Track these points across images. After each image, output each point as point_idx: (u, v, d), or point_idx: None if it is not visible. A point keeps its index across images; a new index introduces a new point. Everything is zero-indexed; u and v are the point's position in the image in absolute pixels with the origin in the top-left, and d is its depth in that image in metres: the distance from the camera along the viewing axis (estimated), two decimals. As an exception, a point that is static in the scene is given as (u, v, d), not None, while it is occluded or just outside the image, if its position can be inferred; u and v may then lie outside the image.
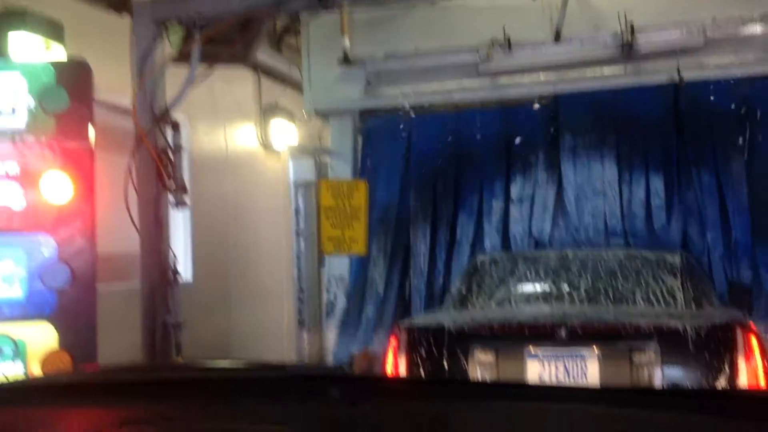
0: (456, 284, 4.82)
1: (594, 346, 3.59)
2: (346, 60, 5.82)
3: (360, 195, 5.56)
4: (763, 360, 3.56)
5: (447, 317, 4.08)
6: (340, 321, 5.73)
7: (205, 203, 6.08)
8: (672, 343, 3.56)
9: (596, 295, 4.21)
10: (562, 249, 5.17)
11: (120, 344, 3.54)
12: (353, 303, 5.74)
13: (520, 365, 3.62)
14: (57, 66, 3.23)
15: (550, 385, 2.87)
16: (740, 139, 5.30)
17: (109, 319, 3.51)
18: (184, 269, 5.81)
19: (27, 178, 3.15)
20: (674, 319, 3.74)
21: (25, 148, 3.17)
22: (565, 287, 4.32)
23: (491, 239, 5.62)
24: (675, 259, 4.51)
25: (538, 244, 5.59)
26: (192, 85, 3.73)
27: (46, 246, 3.08)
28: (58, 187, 3.11)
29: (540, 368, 3.61)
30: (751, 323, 3.79)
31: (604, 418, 1.30)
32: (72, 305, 3.05)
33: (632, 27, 5.27)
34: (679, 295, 4.18)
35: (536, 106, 5.66)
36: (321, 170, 6.70)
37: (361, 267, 5.76)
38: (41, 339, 3.02)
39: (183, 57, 3.84)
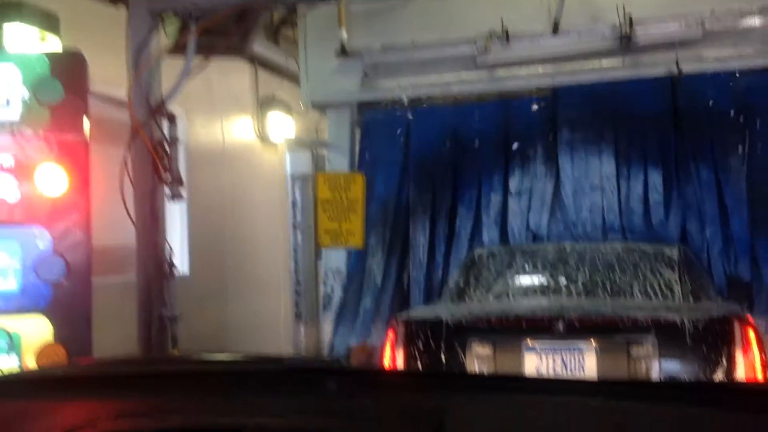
0: (453, 277, 4.81)
1: (591, 339, 3.59)
2: (343, 52, 5.79)
3: (357, 188, 5.55)
4: (760, 353, 3.56)
5: (444, 310, 4.07)
6: (337, 311, 5.72)
7: (202, 196, 6.06)
8: (669, 337, 3.55)
9: (594, 288, 4.21)
10: (559, 243, 5.17)
11: (115, 338, 3.53)
12: (351, 294, 5.73)
13: (517, 358, 3.61)
14: (51, 57, 3.20)
15: (548, 378, 2.87)
16: (738, 134, 5.29)
17: (104, 313, 3.49)
18: (181, 262, 5.80)
19: (22, 170, 3.13)
20: (672, 312, 3.74)
21: (20, 140, 3.14)
22: (563, 280, 4.32)
23: (489, 232, 5.62)
24: (673, 252, 4.51)
25: (536, 237, 5.58)
26: (188, 77, 3.71)
27: (41, 238, 3.06)
28: (53, 180, 3.08)
29: (537, 361, 3.61)
30: (749, 316, 3.79)
31: (602, 411, 1.30)
32: (67, 298, 3.04)
33: (631, 19, 5.25)
34: (677, 289, 4.18)
35: (534, 107, 5.64)
36: (318, 163, 6.68)
37: (359, 258, 5.76)
38: (36, 332, 3.01)
39: (179, 49, 3.81)
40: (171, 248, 3.73)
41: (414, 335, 3.77)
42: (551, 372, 3.57)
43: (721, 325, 3.60)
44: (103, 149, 4.35)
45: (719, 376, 3.48)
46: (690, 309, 3.83)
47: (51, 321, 3.03)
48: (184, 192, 3.87)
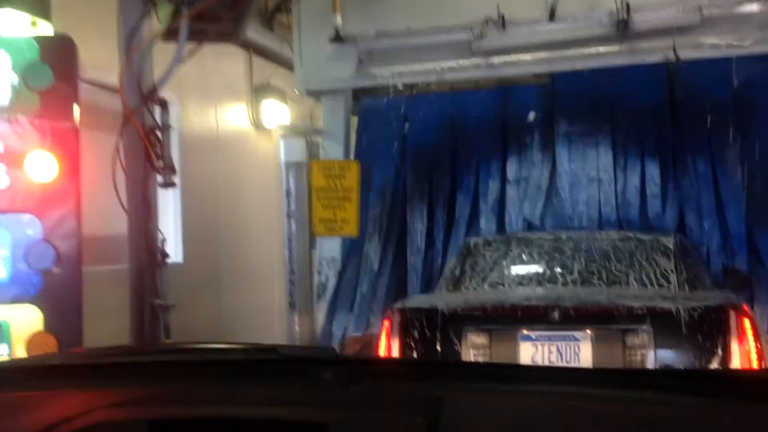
0: (449, 266, 4.80)
1: (587, 329, 3.58)
2: (337, 38, 5.74)
3: (352, 175, 5.51)
4: (756, 342, 3.56)
5: (440, 299, 4.06)
6: (332, 297, 5.71)
7: (196, 183, 6.02)
8: (665, 326, 3.55)
9: (590, 277, 4.21)
10: (555, 231, 5.16)
11: (107, 328, 3.50)
12: (347, 280, 5.72)
13: (513, 347, 3.61)
14: (41, 41, 3.14)
15: (544, 367, 2.86)
16: (735, 125, 5.28)
17: (96, 303, 3.46)
18: (175, 250, 5.77)
19: (10, 157, 3.08)
20: (667, 301, 3.73)
21: (9, 126, 3.09)
22: (559, 269, 4.31)
23: (487, 220, 5.61)
24: (669, 241, 4.50)
25: (531, 226, 5.57)
26: (180, 63, 3.65)
27: (31, 226, 3.01)
28: (42, 166, 3.04)
29: (533, 350, 3.60)
30: (745, 306, 3.78)
31: (597, 399, 1.30)
32: (57, 287, 3.00)
33: (628, 5, 5.21)
34: (673, 277, 4.18)
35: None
36: (312, 151, 6.64)
37: (355, 245, 5.74)
38: (26, 321, 2.97)
39: (171, 34, 3.75)
40: (164, 237, 3.69)
41: (409, 324, 3.76)
42: (546, 361, 3.57)
43: (717, 314, 3.60)
44: (95, 136, 4.30)
45: (714, 365, 3.48)
46: (686, 298, 3.82)
47: (41, 310, 2.99)
48: (176, 180, 3.83)
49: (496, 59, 5.56)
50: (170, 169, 3.65)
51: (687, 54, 5.27)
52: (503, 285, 4.34)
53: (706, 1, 5.19)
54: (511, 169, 5.64)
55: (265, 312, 6.84)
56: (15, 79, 3.10)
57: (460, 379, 1.47)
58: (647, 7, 5.27)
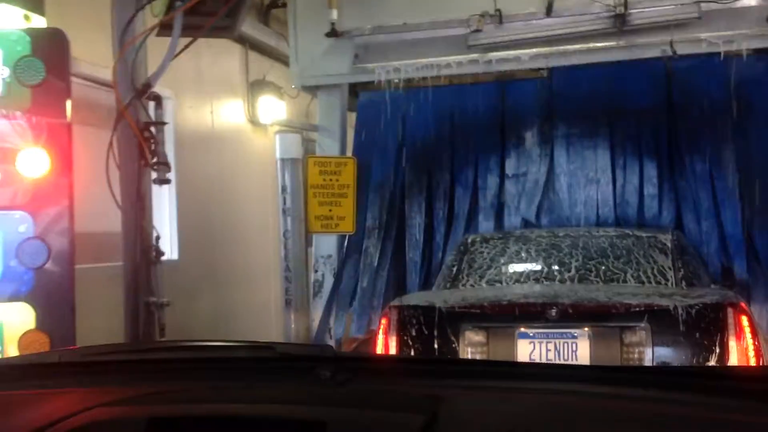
0: (447, 263, 4.78)
1: (584, 326, 3.57)
2: (333, 33, 5.70)
3: (348, 172, 5.48)
4: (753, 339, 3.55)
5: (438, 297, 4.04)
6: (331, 292, 5.69)
7: (191, 180, 5.99)
8: (663, 323, 3.54)
9: (587, 274, 4.19)
10: (552, 228, 5.14)
11: (101, 326, 3.47)
12: (346, 275, 5.70)
13: (510, 345, 3.59)
14: (32, 35, 3.10)
15: (542, 364, 2.85)
16: (732, 125, 5.27)
17: (89, 301, 3.43)
18: (170, 247, 5.73)
19: (2, 153, 3.03)
20: (665, 298, 3.72)
21: (0, 122, 3.05)
22: (556, 266, 4.29)
23: (486, 214, 5.59)
24: (666, 238, 4.49)
25: (528, 223, 5.55)
26: (174, 58, 3.62)
27: (23, 223, 2.98)
28: (34, 162, 3.00)
29: (530, 348, 3.58)
30: (742, 303, 3.77)
31: (595, 397, 1.29)
32: (50, 284, 2.97)
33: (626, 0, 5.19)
34: (671, 274, 4.17)
35: (530, 89, 5.58)
36: (308, 147, 6.61)
37: (355, 238, 5.72)
38: (18, 319, 2.94)
39: (166, 29, 3.71)
40: (158, 234, 3.65)
41: (407, 322, 3.74)
42: (544, 359, 3.55)
43: (715, 311, 3.59)
44: (88, 131, 4.26)
45: (712, 362, 3.47)
46: (683, 295, 3.81)
47: (33, 308, 2.96)
48: (171, 176, 3.80)
49: (493, 54, 5.54)
50: (164, 165, 3.62)
51: (685, 49, 5.25)
52: (501, 282, 4.32)
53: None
54: (510, 164, 5.62)
55: (260, 309, 6.81)
56: (6, 73, 3.06)
57: (458, 376, 1.47)
58: (645, 2, 5.25)
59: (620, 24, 5.23)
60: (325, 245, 5.88)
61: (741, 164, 5.22)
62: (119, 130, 3.55)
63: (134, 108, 3.55)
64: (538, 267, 4.37)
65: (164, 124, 3.71)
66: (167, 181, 3.71)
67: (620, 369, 2.20)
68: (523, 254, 4.48)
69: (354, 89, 6.05)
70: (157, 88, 3.74)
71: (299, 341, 5.13)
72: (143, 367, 1.54)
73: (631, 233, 4.57)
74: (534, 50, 5.48)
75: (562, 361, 3.53)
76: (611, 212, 5.38)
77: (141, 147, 3.52)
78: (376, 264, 5.63)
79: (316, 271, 5.86)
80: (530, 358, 3.54)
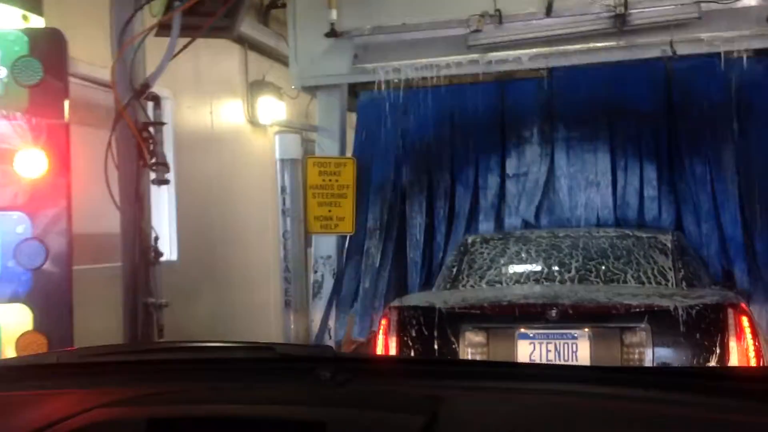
0: (447, 264, 4.77)
1: (585, 327, 3.56)
2: (332, 33, 5.69)
3: (347, 172, 5.47)
4: (754, 340, 3.54)
5: (438, 297, 4.04)
6: (332, 293, 5.67)
7: (190, 180, 5.98)
8: (663, 323, 3.53)
9: (587, 275, 4.18)
10: (552, 228, 5.12)
11: (99, 327, 3.46)
12: (349, 275, 5.69)
13: (510, 346, 3.58)
14: (30, 35, 3.09)
15: (542, 365, 2.84)
16: (732, 127, 5.26)
17: (87, 302, 3.42)
18: (169, 248, 5.72)
19: (-1, 153, 3.03)
20: (665, 298, 3.71)
21: (-2, 122, 3.04)
22: (557, 267, 4.28)
23: (486, 213, 5.58)
24: (666, 238, 4.48)
25: (528, 224, 5.54)
26: (172, 58, 3.61)
27: (20, 224, 2.97)
28: (32, 163, 2.99)
29: (531, 349, 3.57)
30: (743, 303, 3.76)
31: (595, 397, 1.29)
32: (47, 285, 2.95)
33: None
34: (671, 275, 4.16)
35: (530, 88, 5.56)
36: (308, 147, 6.60)
37: (357, 239, 5.71)
38: (15, 320, 2.93)
39: (165, 29, 3.70)
40: (157, 235, 3.64)
41: (407, 323, 3.74)
42: (544, 359, 3.54)
43: (715, 311, 3.58)
44: (87, 132, 4.25)
45: (713, 362, 3.46)
46: (683, 296, 3.80)
47: (31, 309, 2.94)
48: (171, 177, 3.79)
49: (493, 54, 5.53)
50: (163, 165, 3.61)
51: (685, 49, 5.24)
52: (501, 283, 4.31)
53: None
54: (510, 163, 5.61)
55: (260, 310, 6.80)
56: (4, 73, 3.05)
57: (458, 377, 1.47)
58: (645, 2, 5.24)
59: (620, 24, 5.23)
60: (325, 246, 5.87)
61: (741, 166, 5.21)
62: (118, 130, 3.54)
63: (133, 108, 3.54)
64: (538, 267, 4.36)
65: (163, 124, 3.70)
66: (166, 182, 3.69)
67: (620, 369, 2.20)
68: (523, 255, 4.47)
69: (353, 90, 6.04)
70: (156, 89, 3.73)
71: (299, 342, 5.12)
72: (143, 367, 1.54)
73: (631, 234, 4.56)
74: (534, 50, 5.47)
75: (562, 362, 3.52)
76: (611, 214, 5.37)
77: (139, 147, 3.51)
78: (377, 265, 5.62)
79: (315, 272, 5.85)
80: (530, 359, 3.53)
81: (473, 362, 2.97)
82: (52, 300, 2.97)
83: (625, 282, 4.13)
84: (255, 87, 7.14)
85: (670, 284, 4.10)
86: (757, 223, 5.15)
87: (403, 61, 5.62)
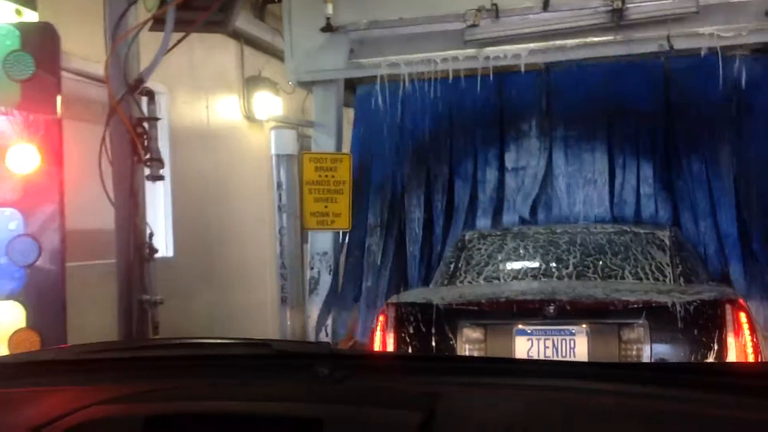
0: (444, 260, 4.76)
1: (582, 323, 3.55)
2: (328, 28, 5.66)
3: (344, 168, 5.45)
4: (752, 336, 3.53)
5: (435, 294, 4.03)
6: (331, 291, 5.66)
7: (186, 176, 5.95)
8: (661, 319, 3.53)
9: (585, 271, 4.18)
10: (550, 224, 5.12)
11: (93, 325, 3.44)
12: (349, 272, 5.68)
13: (508, 342, 3.57)
14: (22, 29, 3.05)
15: (540, 361, 2.84)
16: (730, 124, 5.25)
17: (81, 299, 3.39)
18: (164, 244, 5.69)
19: (-9, 149, 2.99)
20: (663, 294, 3.71)
21: (-10, 117, 3.00)
22: (554, 263, 4.27)
23: (485, 209, 5.56)
24: (664, 234, 4.47)
25: (524, 220, 5.53)
26: (166, 53, 3.57)
27: (13, 220, 2.93)
28: (24, 159, 2.96)
29: (528, 345, 3.57)
30: (741, 299, 3.75)
31: (593, 393, 1.29)
32: (40, 282, 2.92)
33: (623, -7, 5.17)
34: (669, 271, 4.15)
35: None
36: (304, 143, 6.58)
37: (357, 236, 5.69)
38: (8, 317, 2.90)
39: (159, 23, 3.67)
40: (152, 231, 3.61)
41: (404, 319, 3.73)
42: (542, 355, 3.53)
43: (713, 307, 3.58)
44: (80, 127, 4.22)
45: (711, 358, 3.46)
46: (681, 291, 3.80)
47: (23, 306, 2.92)
48: (166, 172, 3.76)
49: (490, 49, 5.50)
50: (158, 161, 3.58)
51: (683, 44, 5.22)
52: (498, 279, 4.30)
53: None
54: (509, 157, 5.60)
55: (256, 307, 6.78)
56: (-5, 68, 3.01)
57: (455, 373, 1.46)
58: (643, -4, 5.22)
59: (618, 18, 5.21)
60: (321, 242, 5.85)
61: (738, 164, 5.21)
62: (112, 125, 3.51)
63: (127, 103, 3.51)
64: (535, 264, 4.35)
65: (157, 119, 3.67)
66: (161, 178, 3.67)
67: (618, 366, 2.19)
68: (520, 251, 4.46)
69: (350, 85, 6.01)
70: (151, 84, 3.70)
71: (295, 338, 5.10)
72: (139, 364, 1.54)
73: (628, 230, 4.56)
74: (531, 45, 5.44)
75: (560, 358, 3.51)
76: (608, 212, 5.37)
77: (134, 143, 3.48)
78: (379, 263, 5.61)
79: (311, 268, 5.83)
80: (528, 355, 3.52)
81: (471, 358, 2.96)
82: (45, 297, 2.94)
83: (622, 278, 4.12)
84: (251, 82, 7.11)
85: (667, 280, 4.10)
86: (754, 220, 5.15)
87: (400, 56, 5.60)
